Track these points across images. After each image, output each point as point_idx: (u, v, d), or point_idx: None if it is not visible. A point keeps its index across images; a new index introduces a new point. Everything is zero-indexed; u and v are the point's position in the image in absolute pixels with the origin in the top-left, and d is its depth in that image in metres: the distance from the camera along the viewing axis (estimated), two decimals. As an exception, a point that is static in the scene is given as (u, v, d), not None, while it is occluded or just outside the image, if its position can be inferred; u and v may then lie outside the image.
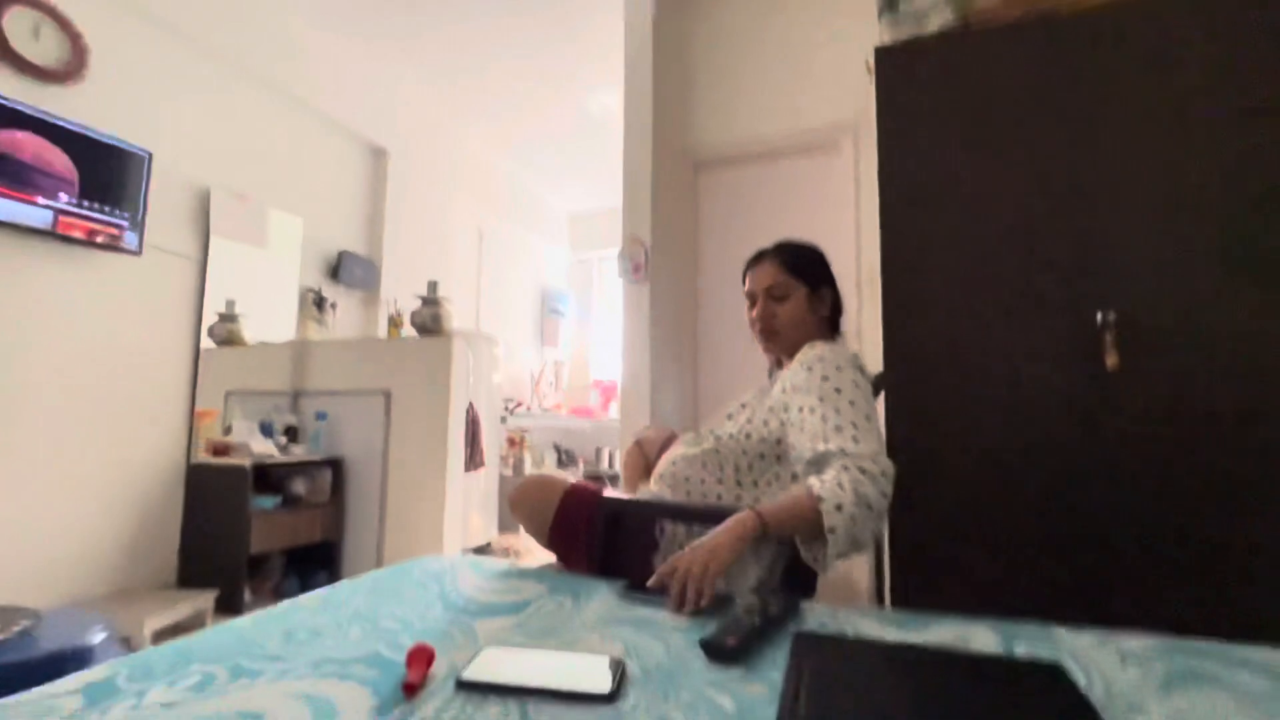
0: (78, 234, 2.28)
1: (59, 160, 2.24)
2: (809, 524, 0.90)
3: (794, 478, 1.07)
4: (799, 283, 1.23)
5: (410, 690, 0.61)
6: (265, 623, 0.79)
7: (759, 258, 1.29)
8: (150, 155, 2.51)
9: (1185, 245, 1.32)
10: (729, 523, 0.91)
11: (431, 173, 4.25)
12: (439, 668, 0.67)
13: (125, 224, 2.43)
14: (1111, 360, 1.33)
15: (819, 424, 0.99)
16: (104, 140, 2.36)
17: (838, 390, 1.02)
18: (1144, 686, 0.61)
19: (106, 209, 2.37)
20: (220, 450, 2.68)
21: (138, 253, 2.46)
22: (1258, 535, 1.21)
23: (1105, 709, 0.57)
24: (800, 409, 1.04)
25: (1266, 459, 1.22)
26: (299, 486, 2.80)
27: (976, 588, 1.37)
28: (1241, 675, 0.63)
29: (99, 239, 2.34)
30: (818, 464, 0.97)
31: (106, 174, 2.38)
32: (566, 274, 6.11)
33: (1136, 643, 0.72)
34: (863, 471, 0.91)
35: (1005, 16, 1.54)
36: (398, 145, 3.92)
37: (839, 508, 0.88)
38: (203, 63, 2.83)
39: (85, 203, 2.31)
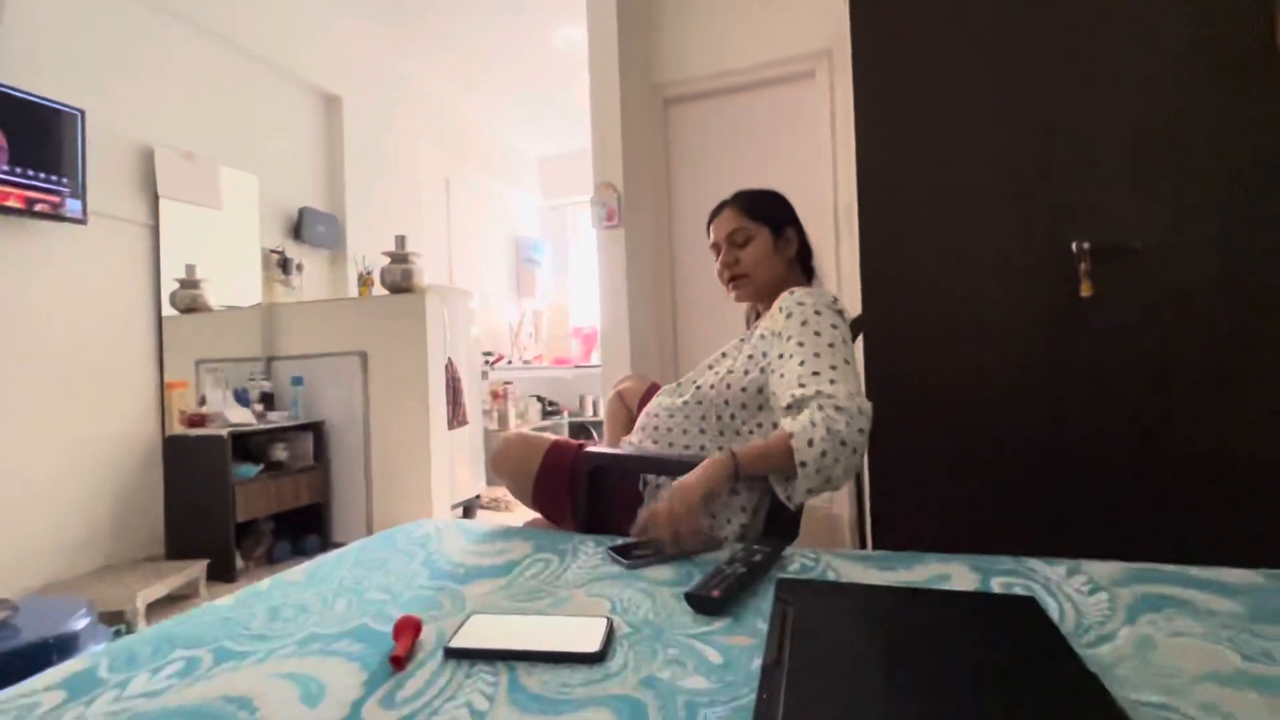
0: (14, 203, 2.15)
1: (-17, 124, 2.08)
2: (782, 461, 0.92)
3: (775, 426, 1.08)
4: (760, 225, 1.22)
5: (398, 663, 0.61)
6: (249, 601, 0.79)
7: (719, 208, 1.29)
8: (83, 113, 2.34)
9: (1160, 175, 1.30)
10: (704, 463, 0.92)
11: (391, 120, 4.04)
12: (427, 637, 0.67)
13: (65, 190, 2.29)
14: (1086, 289, 1.33)
15: (796, 369, 0.99)
16: (29, 99, 2.19)
17: (816, 334, 1.01)
18: (1113, 614, 0.63)
19: (42, 175, 2.22)
20: (196, 421, 2.63)
21: (82, 220, 2.33)
22: (1233, 461, 1.25)
23: (1075, 638, 0.59)
24: (780, 355, 1.04)
25: (1239, 385, 1.25)
26: (280, 452, 2.78)
27: (957, 521, 1.41)
28: (1209, 597, 0.66)
29: (38, 208, 2.21)
30: (795, 408, 0.97)
31: (37, 136, 2.22)
32: (540, 221, 5.96)
33: (1106, 571, 0.74)
34: (838, 409, 0.92)
35: (983, -71, 1.46)
36: (352, 91, 3.71)
37: (810, 443, 0.89)
38: (131, 8, 2.61)
39: (18, 169, 2.16)
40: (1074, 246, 1.34)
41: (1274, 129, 1.24)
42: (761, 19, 2.66)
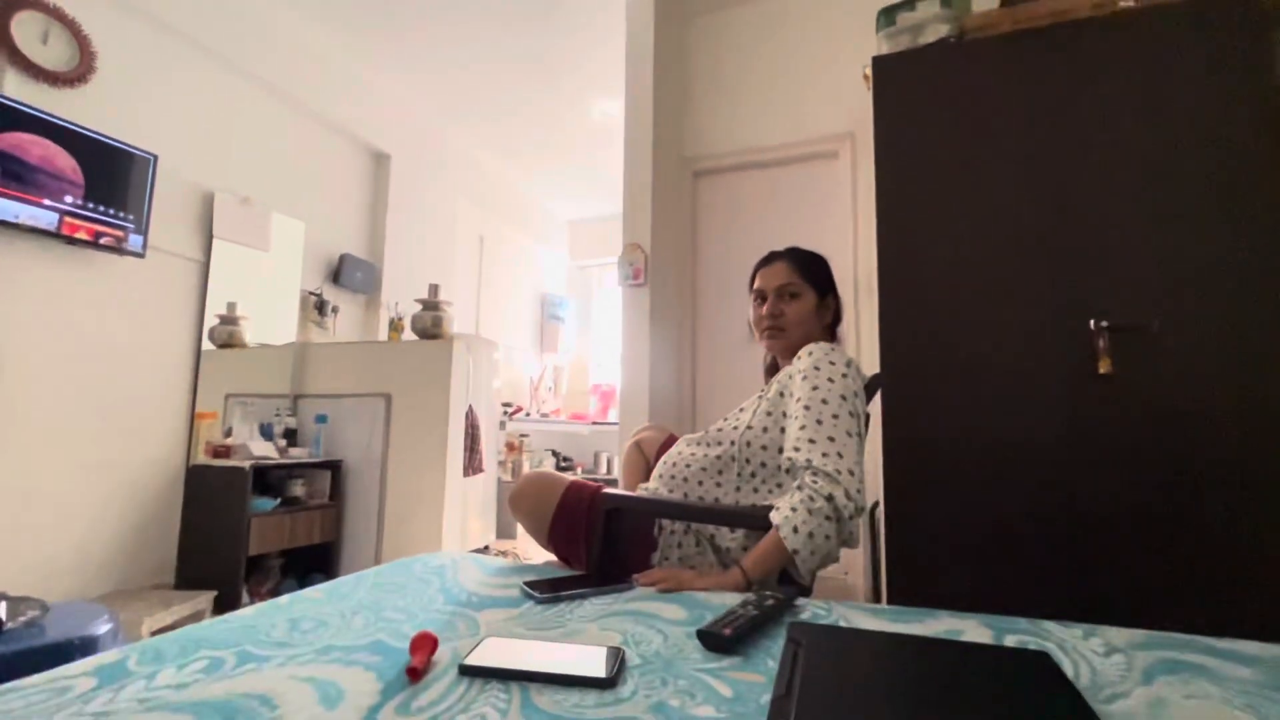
0: (82, 235, 2.30)
1: (65, 162, 2.26)
2: (783, 556, 0.96)
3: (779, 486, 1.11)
4: (810, 287, 1.26)
5: (414, 675, 0.62)
6: (270, 613, 0.81)
7: (772, 258, 1.32)
8: (155, 158, 2.53)
9: (1176, 253, 1.34)
10: (723, 577, 0.97)
11: (433, 178, 4.28)
12: (442, 655, 0.68)
13: (130, 226, 2.45)
14: (1104, 366, 1.35)
15: (798, 433, 1.03)
16: (110, 143, 2.39)
17: (824, 401, 1.04)
18: (1128, 674, 0.63)
19: (111, 211, 2.39)
20: (220, 452, 2.69)
21: (141, 255, 2.48)
22: (1246, 536, 1.23)
23: (1089, 694, 0.58)
24: (791, 417, 1.07)
25: (1254, 463, 1.24)
26: (298, 489, 2.81)
27: (971, 587, 1.38)
28: (1227, 665, 0.65)
29: (103, 241, 2.36)
30: (790, 474, 1.02)
31: (112, 176, 2.40)
32: (566, 280, 6.14)
33: (1122, 636, 0.73)
34: (823, 479, 0.96)
35: (999, 27, 1.58)
36: (400, 150, 3.96)
37: (795, 530, 0.94)
38: (208, 66, 2.86)
39: (90, 205, 2.33)
40: (1091, 324, 1.37)
41: (1283, 218, 1.28)
42: (789, 101, 2.82)
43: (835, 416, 1.02)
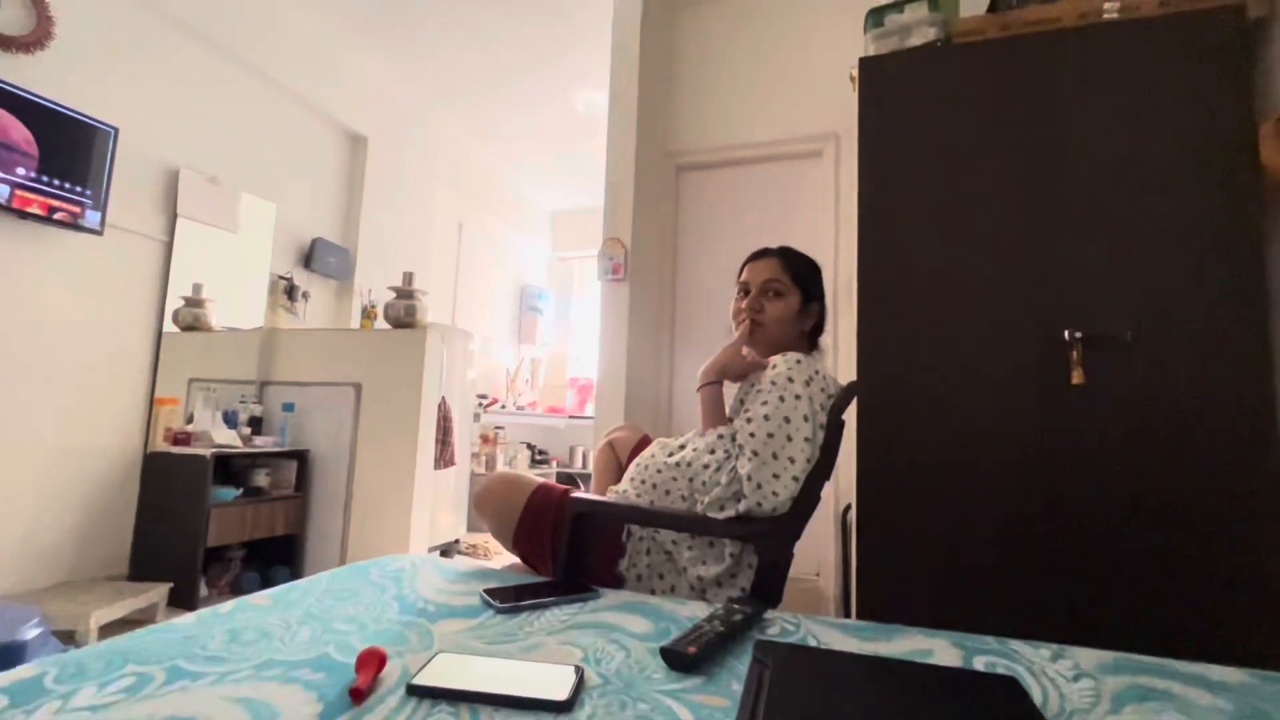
0: (35, 210, 2.19)
1: (18, 132, 2.15)
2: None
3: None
4: (796, 289, 1.23)
5: (358, 695, 0.58)
6: (210, 622, 0.76)
7: (763, 253, 1.29)
8: (116, 131, 2.42)
9: (1152, 265, 1.35)
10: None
11: (412, 162, 4.17)
12: (390, 672, 0.64)
13: (87, 201, 2.33)
14: (1077, 376, 1.35)
15: (749, 440, 1.06)
16: (67, 113, 2.27)
17: (768, 417, 1.06)
18: (1097, 703, 0.62)
19: (67, 185, 2.28)
20: (180, 439, 2.60)
21: (99, 232, 2.37)
22: (1218, 549, 1.24)
23: (1059, 725, 0.57)
24: (746, 418, 1.08)
25: (1226, 473, 1.25)
26: (262, 478, 2.73)
27: (941, 599, 1.38)
28: (1196, 692, 0.64)
29: (57, 216, 2.25)
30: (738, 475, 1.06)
31: (69, 149, 2.28)
32: (547, 271, 6.06)
33: (1091, 658, 0.72)
34: (743, 487, 1.04)
35: (986, 33, 1.57)
36: (378, 133, 3.85)
37: (705, 467, 1.09)
38: (175, 37, 2.74)
39: (44, 178, 2.21)
40: (1066, 335, 1.37)
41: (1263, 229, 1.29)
42: (774, 99, 2.80)
43: (789, 439, 1.04)
